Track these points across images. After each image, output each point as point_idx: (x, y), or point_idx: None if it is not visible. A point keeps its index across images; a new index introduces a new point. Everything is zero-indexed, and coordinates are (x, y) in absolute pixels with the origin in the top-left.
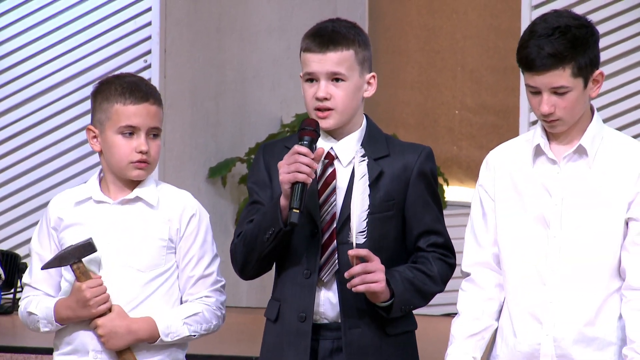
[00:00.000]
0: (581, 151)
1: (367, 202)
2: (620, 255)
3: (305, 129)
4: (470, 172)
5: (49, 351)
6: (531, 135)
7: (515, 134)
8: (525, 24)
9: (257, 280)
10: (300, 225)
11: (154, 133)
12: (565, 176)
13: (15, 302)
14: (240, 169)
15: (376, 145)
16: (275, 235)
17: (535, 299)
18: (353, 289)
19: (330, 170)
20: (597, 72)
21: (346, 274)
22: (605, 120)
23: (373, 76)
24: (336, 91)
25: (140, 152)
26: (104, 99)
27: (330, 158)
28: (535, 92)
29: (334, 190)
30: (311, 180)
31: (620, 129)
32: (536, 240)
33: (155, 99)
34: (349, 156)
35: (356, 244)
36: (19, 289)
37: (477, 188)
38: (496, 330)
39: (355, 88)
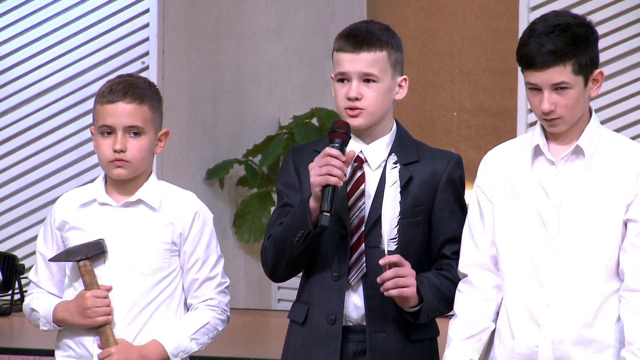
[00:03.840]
0: (578, 152)
1: (398, 209)
2: (618, 256)
3: (337, 132)
4: (468, 174)
5: (47, 353)
6: (530, 136)
7: (513, 135)
8: (523, 26)
9: (254, 282)
10: (330, 229)
11: (133, 131)
12: (562, 177)
13: (13, 304)
14: (237, 170)
15: (406, 150)
16: (304, 237)
17: (533, 301)
18: (385, 294)
19: (359, 173)
20: (596, 71)
21: (378, 279)
22: (604, 121)
23: (405, 79)
24: (368, 91)
25: (115, 150)
26: (94, 100)
27: (359, 161)
28: (535, 89)
29: (362, 193)
30: (342, 183)
31: (619, 129)
32: (534, 242)
33: (134, 97)
34: (378, 160)
35: (387, 250)
36: (16, 291)
37: (474, 189)
38: (494, 331)
39: (387, 90)
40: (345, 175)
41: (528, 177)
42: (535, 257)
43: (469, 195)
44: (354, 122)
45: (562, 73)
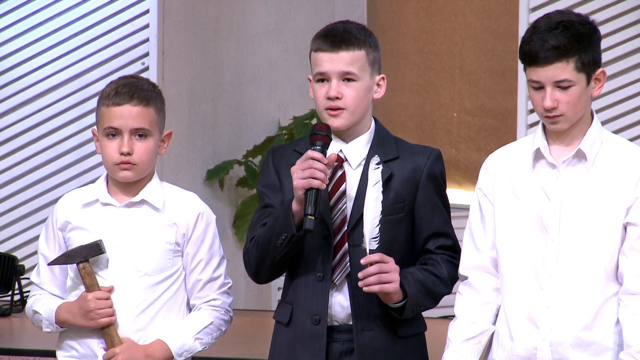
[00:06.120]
0: (580, 155)
1: (380, 209)
2: (617, 259)
3: (317, 134)
4: (468, 175)
5: (47, 353)
6: (531, 139)
7: (513, 136)
8: (523, 26)
9: (254, 282)
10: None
11: (139, 134)
12: (564, 180)
13: (12, 304)
14: (237, 171)
15: (386, 148)
16: (288, 240)
17: (532, 303)
18: (365, 289)
19: (340, 173)
20: (599, 70)
21: (361, 274)
22: (605, 122)
23: (383, 78)
24: (347, 91)
25: (122, 153)
26: (98, 101)
27: (339, 161)
28: (538, 87)
29: (344, 193)
30: (325, 186)
31: (620, 130)
32: (534, 245)
33: (140, 99)
34: (358, 159)
35: (369, 249)
36: (16, 292)
37: (476, 191)
38: (493, 334)
39: (366, 89)
40: (327, 177)
41: (529, 180)
42: (535, 259)
43: (464, 195)
44: (334, 123)
45: (564, 70)
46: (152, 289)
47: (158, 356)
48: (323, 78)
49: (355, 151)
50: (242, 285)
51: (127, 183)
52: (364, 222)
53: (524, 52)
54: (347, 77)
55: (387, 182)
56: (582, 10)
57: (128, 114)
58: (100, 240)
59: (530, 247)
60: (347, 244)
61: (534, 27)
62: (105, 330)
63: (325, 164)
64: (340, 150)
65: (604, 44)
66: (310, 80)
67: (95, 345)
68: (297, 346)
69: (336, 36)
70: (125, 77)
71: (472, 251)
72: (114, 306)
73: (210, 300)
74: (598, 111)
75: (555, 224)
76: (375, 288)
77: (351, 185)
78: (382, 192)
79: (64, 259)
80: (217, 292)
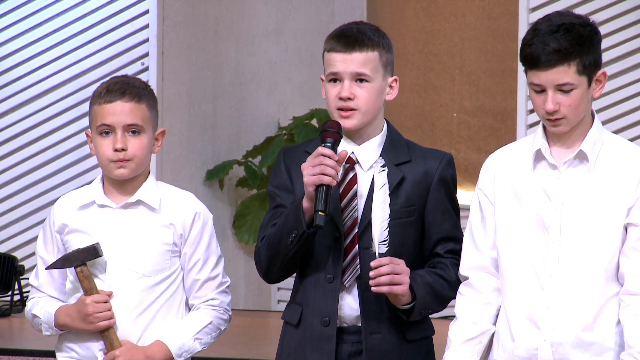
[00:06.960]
0: (582, 156)
1: (388, 211)
2: (618, 260)
3: (328, 131)
4: (468, 175)
5: (47, 354)
6: (531, 140)
7: (513, 136)
8: (522, 27)
9: (254, 282)
10: (323, 230)
11: (132, 130)
12: (565, 181)
13: (12, 305)
14: (237, 171)
15: (397, 150)
16: (298, 238)
17: (533, 304)
18: (375, 289)
19: (351, 174)
20: (600, 72)
21: (372, 273)
22: (605, 122)
23: (395, 79)
24: (360, 92)
25: (116, 150)
26: (90, 102)
27: (351, 163)
28: (539, 90)
29: (355, 195)
30: (336, 182)
31: (620, 130)
32: (535, 245)
33: (132, 95)
34: (369, 161)
35: (379, 253)
36: (16, 292)
37: (476, 192)
38: (493, 334)
39: (379, 90)
40: (338, 174)
41: (530, 181)
42: (536, 260)
43: (463, 195)
44: (346, 124)
45: (566, 73)
46: (151, 290)
47: (158, 357)
48: (336, 78)
49: (366, 153)
50: (242, 285)
51: (123, 183)
52: (373, 226)
53: (525, 55)
54: (359, 78)
55: (398, 185)
56: (582, 10)
57: (121, 110)
58: (97, 244)
59: (531, 248)
60: (357, 246)
61: (535, 30)
62: (105, 333)
63: (335, 161)
64: (352, 152)
65: (604, 44)
66: (322, 80)
67: (95, 348)
68: (307, 347)
69: (350, 37)
70: (116, 77)
71: (472, 251)
72: (113, 308)
73: (208, 300)
74: (598, 111)
75: (557, 224)
76: (385, 289)
77: (362, 188)
78: (394, 195)
79: (61, 263)
80: (216, 291)
